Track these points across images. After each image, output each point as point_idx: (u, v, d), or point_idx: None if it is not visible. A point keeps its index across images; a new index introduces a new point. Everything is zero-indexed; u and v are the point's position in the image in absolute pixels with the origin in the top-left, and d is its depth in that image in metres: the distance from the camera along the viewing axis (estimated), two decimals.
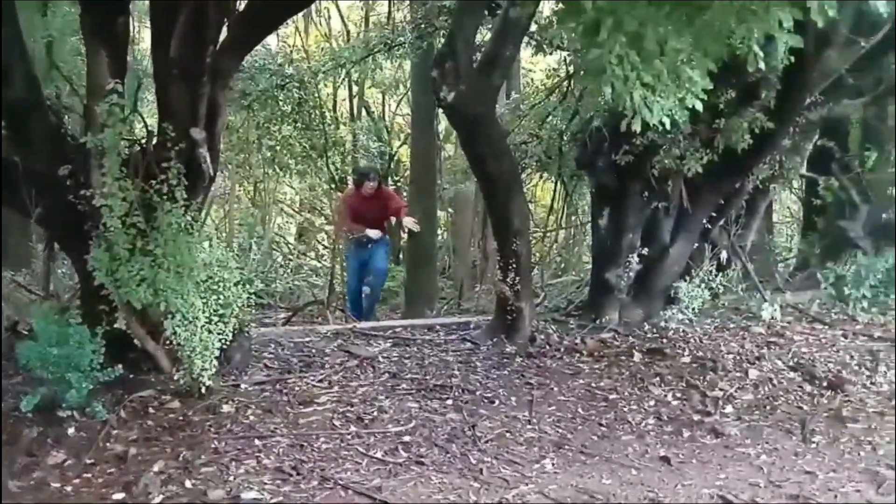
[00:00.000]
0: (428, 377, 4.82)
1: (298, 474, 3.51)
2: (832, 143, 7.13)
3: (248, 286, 4.45)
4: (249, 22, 4.61)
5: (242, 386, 4.48)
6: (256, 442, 3.81)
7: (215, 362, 4.14)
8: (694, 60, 3.04)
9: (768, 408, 4.55)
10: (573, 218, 9.72)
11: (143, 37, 7.65)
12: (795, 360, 5.23)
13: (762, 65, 3.06)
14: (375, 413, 4.25)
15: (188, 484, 3.37)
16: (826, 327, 5.98)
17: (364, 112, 12.03)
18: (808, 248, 7.50)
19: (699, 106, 3.10)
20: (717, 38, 2.97)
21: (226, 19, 4.61)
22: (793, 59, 4.54)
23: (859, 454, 3.95)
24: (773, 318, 5.98)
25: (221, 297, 4.24)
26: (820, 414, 4.45)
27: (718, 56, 3.15)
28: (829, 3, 2.71)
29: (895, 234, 6.87)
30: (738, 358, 5.23)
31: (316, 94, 8.82)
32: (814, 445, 4.07)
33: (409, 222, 7.32)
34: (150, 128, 4.62)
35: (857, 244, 7.11)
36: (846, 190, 7.28)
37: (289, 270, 9.21)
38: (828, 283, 6.59)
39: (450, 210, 11.40)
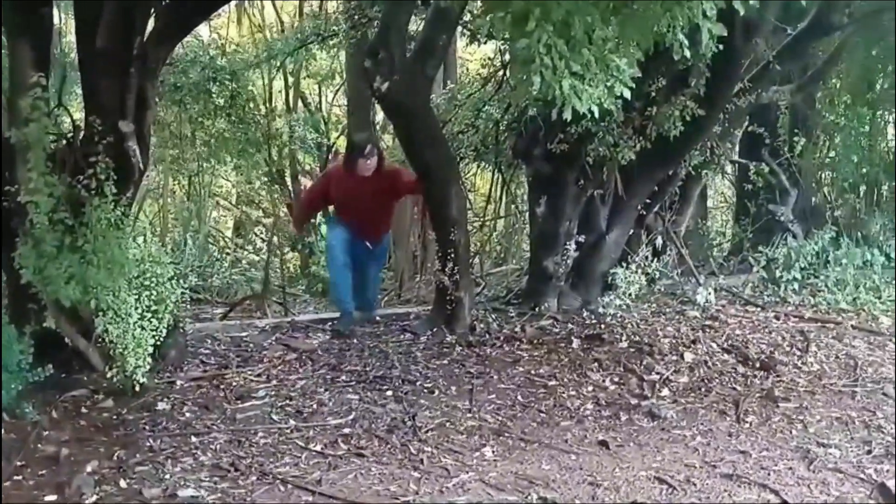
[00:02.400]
0: (368, 369, 4.80)
1: (236, 470, 3.48)
2: (762, 129, 7.31)
3: (182, 281, 4.38)
4: (178, 12, 4.51)
5: (178, 382, 4.41)
6: (193, 439, 3.76)
7: (149, 359, 4.05)
8: (622, 49, 3.08)
9: (703, 390, 4.66)
10: (512, 207, 9.76)
11: (68, 28, 7.42)
12: (729, 342, 5.36)
13: (688, 53, 3.12)
14: (315, 406, 4.23)
15: (123, 484, 3.31)
16: (759, 310, 6.13)
17: (301, 103, 11.90)
18: (740, 232, 7.68)
19: (627, 94, 3.14)
20: (644, 27, 3.01)
21: (153, 10, 4.51)
22: (721, 47, 4.62)
23: (791, 433, 4.08)
24: (707, 301, 6.09)
25: (154, 292, 4.16)
26: (753, 394, 4.57)
27: (646, 45, 3.20)
28: None
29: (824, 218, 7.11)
30: (674, 342, 5.34)
31: (250, 87, 8.69)
32: (747, 425, 4.18)
33: None
34: (76, 122, 4.50)
35: (787, 228, 7.31)
36: (776, 175, 7.48)
37: (226, 265, 9.07)
38: (760, 267, 6.76)
39: None
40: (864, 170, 7.41)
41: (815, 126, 7.70)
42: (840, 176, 7.51)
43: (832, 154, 7.75)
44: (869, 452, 3.80)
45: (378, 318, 5.85)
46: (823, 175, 7.86)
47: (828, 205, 7.49)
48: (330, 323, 5.65)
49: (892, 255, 6.83)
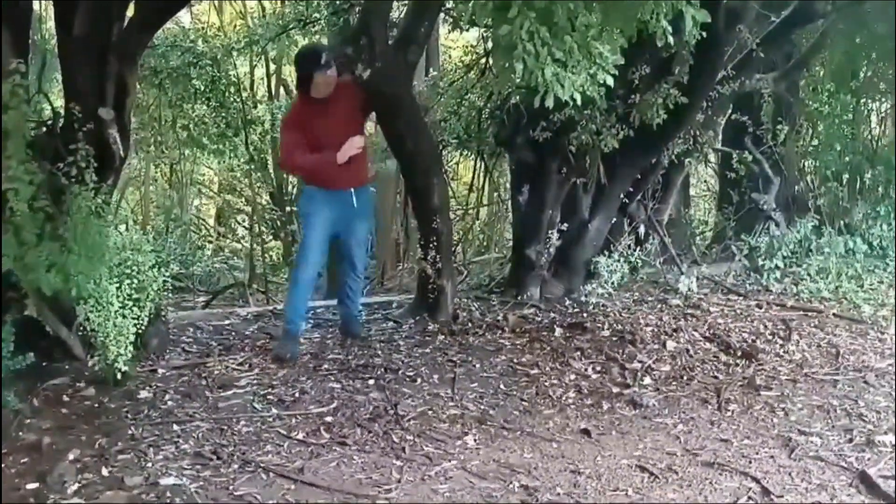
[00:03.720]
0: (350, 357, 4.79)
1: (219, 458, 3.46)
2: (745, 118, 7.32)
3: (164, 269, 4.36)
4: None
5: (160, 371, 4.39)
6: (175, 427, 3.75)
7: (131, 348, 4.03)
8: (605, 36, 3.07)
9: (685, 378, 4.68)
10: (494, 195, 9.76)
11: (48, 15, 7.32)
12: (711, 330, 5.38)
13: (671, 40, 3.11)
14: (297, 394, 4.21)
15: (105, 472, 3.30)
16: (741, 298, 6.15)
17: (283, 90, 11.81)
18: (723, 220, 7.71)
19: (611, 81, 3.13)
20: (627, 13, 3.00)
21: None
22: (704, 34, 4.63)
23: (772, 421, 4.09)
24: (690, 290, 6.12)
25: (136, 281, 4.13)
26: (735, 383, 4.58)
27: (629, 32, 3.19)
28: None
29: (806, 207, 7.13)
30: (656, 330, 5.35)
31: (231, 72, 8.61)
32: (729, 414, 4.19)
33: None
34: (56, 109, 4.45)
35: (770, 216, 7.34)
36: (759, 163, 7.50)
37: (208, 253, 9.02)
38: (742, 255, 6.79)
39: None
40: (847, 158, 7.43)
41: (798, 114, 7.71)
42: (823, 164, 7.52)
43: (815, 142, 7.77)
44: (850, 441, 3.82)
45: (362, 333, 5.20)
46: (806, 163, 7.87)
47: (810, 193, 7.51)
48: (311, 312, 5.59)
49: (874, 244, 6.88)
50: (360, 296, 5.33)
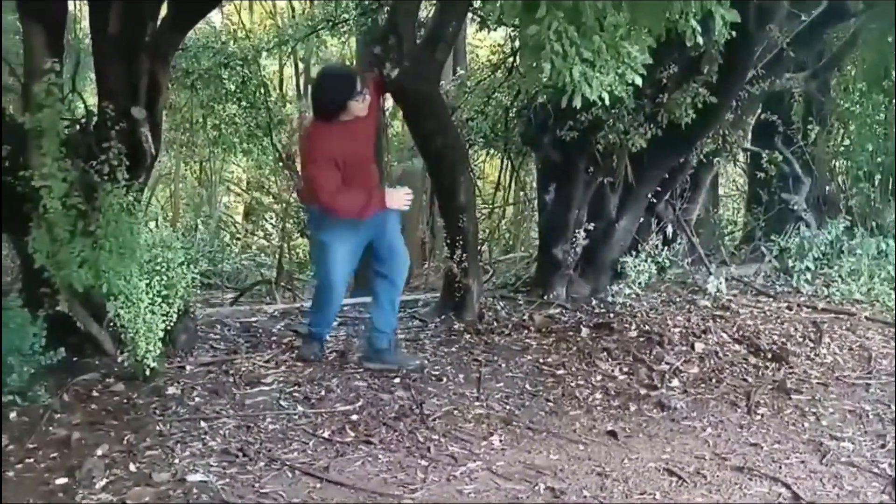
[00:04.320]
0: None
1: (245, 456, 3.48)
2: (775, 117, 7.24)
3: (193, 266, 4.39)
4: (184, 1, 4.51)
5: (188, 367, 4.42)
6: (202, 424, 3.77)
7: (160, 344, 4.06)
8: (633, 36, 3.05)
9: (714, 380, 4.63)
10: (521, 194, 9.74)
11: (83, 14, 7.43)
12: (740, 332, 5.33)
13: (700, 40, 3.08)
14: (323, 392, 4.23)
15: (132, 468, 3.32)
16: (771, 300, 6.09)
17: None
18: (752, 221, 7.63)
19: (639, 81, 3.11)
20: (656, 13, 2.98)
21: None
22: (734, 33, 4.59)
23: (803, 425, 4.04)
24: (718, 291, 6.07)
25: (165, 277, 4.16)
26: (764, 386, 4.53)
27: (657, 31, 3.16)
28: None
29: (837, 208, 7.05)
30: (684, 331, 5.31)
31: (260, 72, 8.69)
32: (758, 417, 4.15)
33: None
34: (90, 107, 4.51)
35: (800, 217, 7.26)
36: (789, 163, 7.42)
37: (236, 250, 9.09)
38: (772, 256, 6.72)
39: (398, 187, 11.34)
40: (880, 159, 7.33)
41: (829, 114, 7.62)
42: (854, 165, 7.43)
43: (846, 142, 7.67)
44: (883, 447, 3.77)
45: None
46: (837, 164, 7.78)
47: (842, 194, 7.43)
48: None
49: None
50: (395, 307, 4.77)
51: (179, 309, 4.27)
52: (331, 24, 7.99)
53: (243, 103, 8.13)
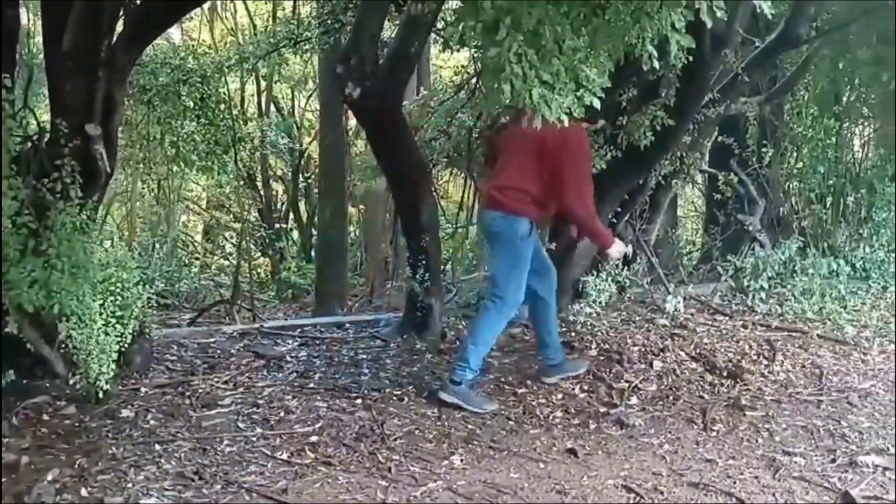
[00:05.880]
0: (337, 376, 4.77)
1: (201, 479, 3.43)
2: (731, 140, 7.38)
3: (149, 286, 4.33)
4: (148, 14, 4.47)
5: (143, 389, 4.35)
6: (157, 447, 3.71)
7: (113, 366, 3.99)
8: (592, 59, 3.10)
9: (671, 398, 4.67)
10: None
11: (36, 29, 7.33)
12: (697, 350, 5.39)
13: (657, 64, 3.13)
14: (282, 414, 4.19)
15: (84, 492, 3.25)
16: (727, 318, 6.18)
17: (273, 108, 11.86)
18: (709, 241, 7.75)
19: (597, 104, 3.15)
20: (614, 37, 3.03)
21: (123, 11, 4.46)
22: (691, 58, 4.68)
23: (757, 441, 4.09)
24: (676, 310, 6.13)
25: (120, 297, 4.10)
26: (720, 403, 4.59)
27: (616, 55, 3.22)
28: (717, 4, 2.80)
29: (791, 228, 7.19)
30: (643, 350, 5.36)
31: (221, 90, 8.64)
32: (714, 434, 4.19)
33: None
34: (42, 124, 4.44)
35: (755, 237, 7.39)
36: (745, 185, 7.56)
37: (195, 270, 8.99)
38: (728, 276, 6.82)
39: (361, 207, 11.36)
40: (831, 181, 7.52)
41: (782, 137, 7.80)
42: (807, 187, 7.61)
43: (799, 165, 7.85)
44: (833, 461, 3.83)
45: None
46: (790, 186, 7.95)
47: (795, 215, 7.57)
48: (298, 330, 5.54)
49: (857, 266, 6.93)
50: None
51: (134, 330, 4.20)
52: (293, 42, 7.97)
53: (202, 120, 8.06)
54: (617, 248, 4.55)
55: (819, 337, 5.71)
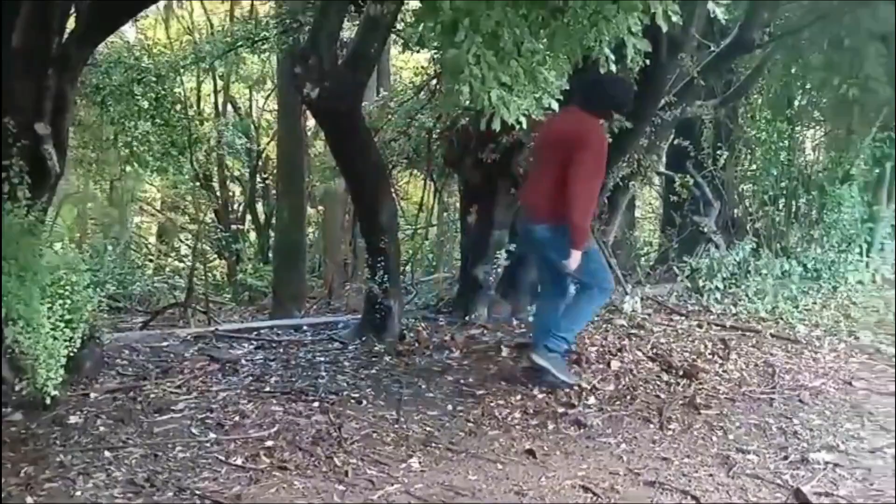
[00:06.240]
0: (293, 379, 4.72)
1: (152, 486, 3.36)
2: (687, 143, 7.48)
3: (100, 289, 4.24)
4: (101, 12, 4.38)
5: (92, 395, 4.26)
6: (107, 453, 3.63)
7: (62, 371, 3.88)
8: (550, 62, 3.11)
9: (628, 398, 4.70)
10: (444, 215, 9.79)
11: None
12: (654, 350, 5.43)
13: (614, 67, 3.16)
14: (237, 418, 4.12)
15: (30, 501, 3.17)
16: (683, 318, 6.24)
17: (230, 108, 11.73)
18: (666, 242, 7.84)
19: (556, 106, 3.17)
20: (571, 40, 3.04)
21: (74, 8, 4.37)
22: (647, 62, 4.73)
23: (712, 439, 4.13)
24: (634, 310, 6.19)
25: (69, 301, 3.99)
26: (676, 402, 4.62)
27: (574, 58, 3.24)
28: (672, 9, 2.83)
29: (745, 230, 7.30)
30: (601, 350, 5.38)
31: (177, 89, 8.52)
32: (670, 432, 4.22)
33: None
34: None
35: (710, 238, 7.49)
36: (700, 187, 7.66)
37: (148, 272, 8.85)
38: (684, 276, 6.90)
39: (320, 208, 11.27)
40: (783, 183, 7.66)
41: (737, 140, 7.93)
42: (760, 189, 7.74)
43: (753, 167, 7.98)
44: (785, 458, 3.88)
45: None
46: (745, 188, 8.07)
47: (749, 217, 7.70)
48: (255, 333, 5.49)
49: (809, 266, 7.07)
50: None
51: (84, 334, 4.11)
52: (251, 41, 7.89)
53: (157, 120, 7.94)
54: (577, 260, 4.53)
55: (772, 336, 5.80)
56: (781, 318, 6.19)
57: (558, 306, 4.83)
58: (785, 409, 4.53)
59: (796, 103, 7.76)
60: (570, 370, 4.80)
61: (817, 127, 8.60)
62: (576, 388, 4.72)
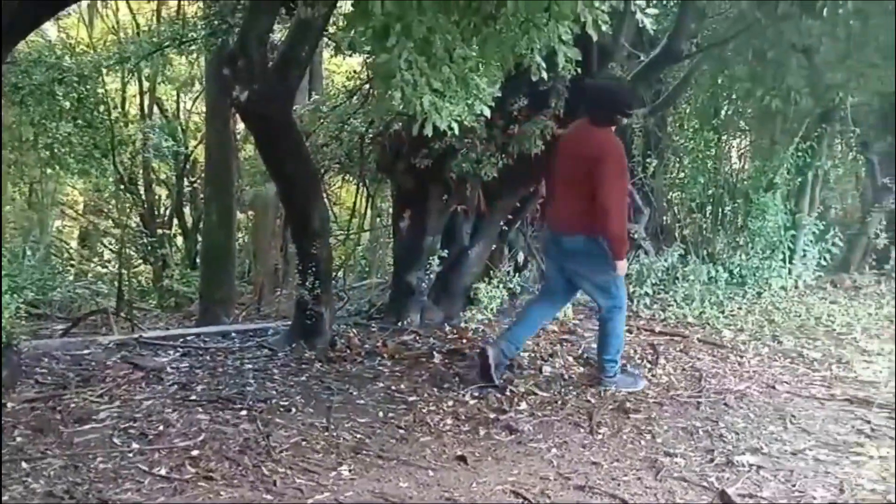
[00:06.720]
0: (220, 387, 4.62)
1: (72, 498, 3.25)
2: None
3: (17, 295, 4.08)
4: (20, 10, 4.22)
5: (9, 405, 4.10)
6: (24, 465, 3.49)
7: None
8: (482, 68, 3.11)
9: (559, 402, 4.74)
10: (376, 220, 9.74)
11: None
12: (585, 355, 5.49)
13: (545, 75, 3.18)
14: (161, 428, 4.01)
15: None
16: None
17: (157, 109, 11.44)
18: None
19: (487, 112, 3.18)
20: (503, 48, 3.06)
21: None
22: (579, 70, 4.79)
23: (640, 443, 4.19)
24: (565, 315, 6.25)
25: None
26: (606, 406, 4.68)
27: (506, 65, 3.25)
28: (602, 18, 2.86)
29: (673, 236, 7.45)
30: (533, 355, 5.42)
31: (100, 90, 8.27)
32: (600, 436, 4.27)
33: None
34: None
35: (640, 245, 7.62)
36: (630, 194, 7.78)
37: (69, 278, 8.55)
38: None
39: (250, 212, 11.09)
40: (710, 191, 7.85)
41: (665, 148, 8.08)
42: (688, 196, 7.91)
43: (681, 175, 8.15)
44: (711, 461, 3.96)
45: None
46: (673, 195, 8.25)
47: (677, 223, 7.86)
48: (181, 340, 5.36)
49: (734, 272, 7.25)
50: None
51: (1, 341, 3.94)
52: (178, 42, 7.71)
53: (80, 122, 7.69)
54: (624, 267, 4.83)
55: (699, 341, 5.93)
56: (708, 324, 6.34)
57: (549, 315, 5.27)
58: (711, 412, 4.62)
59: (723, 113, 7.96)
60: (637, 373, 5.11)
61: (743, 136, 8.84)
62: (507, 393, 4.75)
